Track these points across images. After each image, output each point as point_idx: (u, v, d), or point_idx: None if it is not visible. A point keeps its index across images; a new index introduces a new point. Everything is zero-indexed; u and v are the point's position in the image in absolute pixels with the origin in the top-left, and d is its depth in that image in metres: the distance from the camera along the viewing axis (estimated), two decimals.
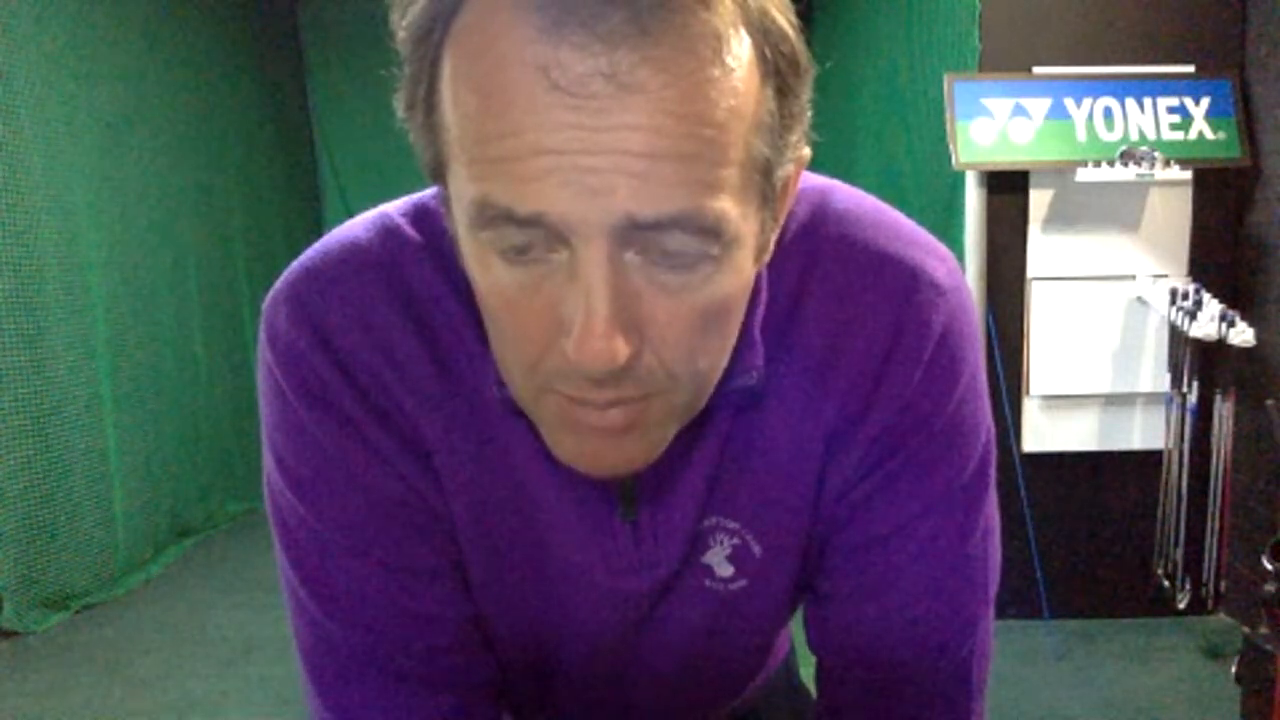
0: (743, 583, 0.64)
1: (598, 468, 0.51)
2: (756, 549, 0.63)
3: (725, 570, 0.63)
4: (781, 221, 0.53)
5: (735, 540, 0.62)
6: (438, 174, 0.48)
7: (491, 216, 0.43)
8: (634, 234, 0.43)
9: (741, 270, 0.48)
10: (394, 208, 0.60)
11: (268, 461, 0.61)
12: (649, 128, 0.41)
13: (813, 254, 0.57)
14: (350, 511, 0.59)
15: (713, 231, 0.43)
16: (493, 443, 0.59)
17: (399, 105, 0.48)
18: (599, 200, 0.41)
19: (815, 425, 0.59)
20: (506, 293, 0.46)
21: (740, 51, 0.43)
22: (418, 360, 0.57)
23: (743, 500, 0.61)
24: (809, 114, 0.49)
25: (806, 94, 0.48)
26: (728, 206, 0.44)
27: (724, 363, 0.52)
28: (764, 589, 0.65)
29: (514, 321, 0.47)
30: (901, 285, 0.57)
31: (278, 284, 0.59)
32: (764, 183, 0.47)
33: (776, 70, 0.45)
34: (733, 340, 0.51)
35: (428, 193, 0.60)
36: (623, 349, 0.44)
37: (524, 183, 0.42)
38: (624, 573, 0.62)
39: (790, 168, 0.49)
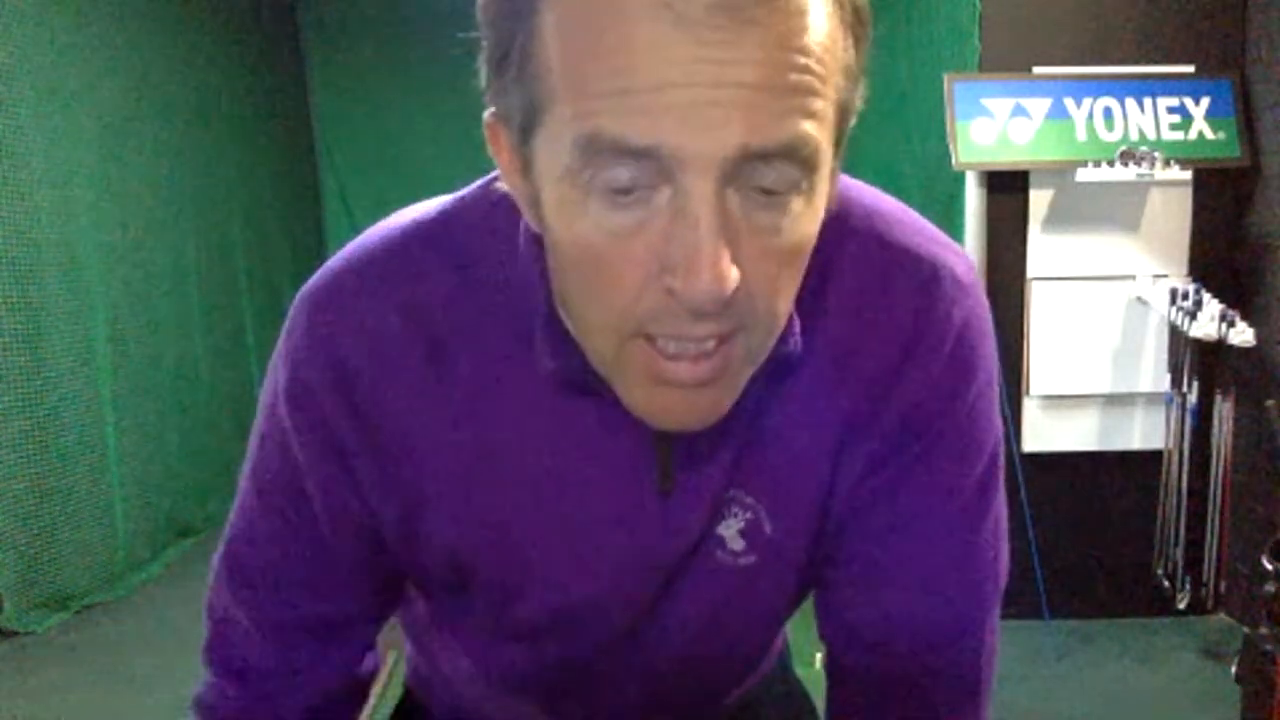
0: (752, 559, 0.64)
1: (673, 420, 0.52)
2: (768, 526, 0.63)
3: (737, 544, 0.64)
4: (837, 182, 0.54)
5: (749, 515, 0.63)
6: (527, 129, 0.49)
7: (599, 150, 0.44)
8: (741, 166, 0.44)
9: (818, 213, 0.50)
10: (428, 212, 0.61)
11: (267, 388, 0.63)
12: (763, 61, 0.43)
13: (838, 243, 0.58)
14: (300, 505, 0.63)
15: (809, 162, 0.46)
16: (526, 431, 0.60)
17: (482, 71, 0.50)
18: (715, 133, 0.43)
19: (833, 413, 0.60)
20: (600, 240, 0.47)
21: None
22: (418, 366, 0.58)
23: (761, 477, 0.62)
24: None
25: (865, 53, 0.49)
26: (823, 138, 0.46)
27: (789, 311, 0.53)
28: (772, 568, 0.65)
29: (606, 269, 0.48)
30: (924, 280, 0.58)
31: (310, 283, 0.61)
32: (841, 126, 0.49)
33: (854, 20, 0.47)
34: (796, 289, 0.52)
35: (463, 192, 0.62)
36: (733, 278, 0.45)
37: (641, 115, 0.43)
38: (649, 548, 0.63)
39: (851, 122, 0.51)
